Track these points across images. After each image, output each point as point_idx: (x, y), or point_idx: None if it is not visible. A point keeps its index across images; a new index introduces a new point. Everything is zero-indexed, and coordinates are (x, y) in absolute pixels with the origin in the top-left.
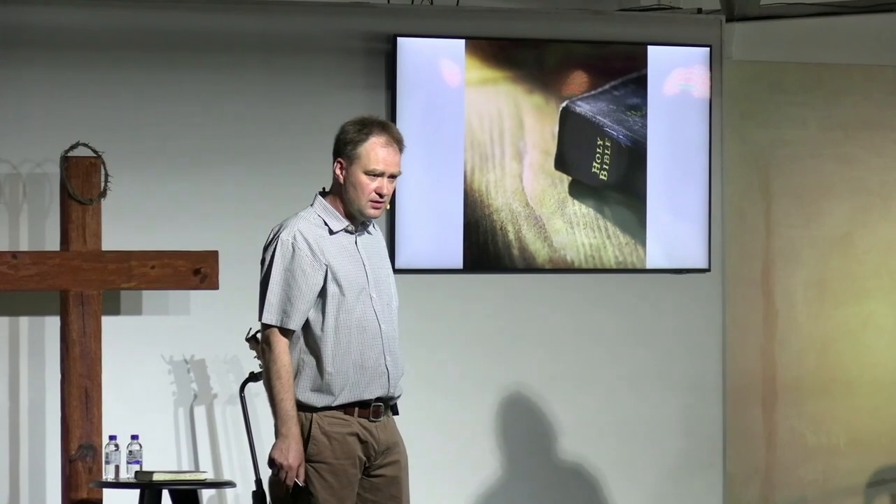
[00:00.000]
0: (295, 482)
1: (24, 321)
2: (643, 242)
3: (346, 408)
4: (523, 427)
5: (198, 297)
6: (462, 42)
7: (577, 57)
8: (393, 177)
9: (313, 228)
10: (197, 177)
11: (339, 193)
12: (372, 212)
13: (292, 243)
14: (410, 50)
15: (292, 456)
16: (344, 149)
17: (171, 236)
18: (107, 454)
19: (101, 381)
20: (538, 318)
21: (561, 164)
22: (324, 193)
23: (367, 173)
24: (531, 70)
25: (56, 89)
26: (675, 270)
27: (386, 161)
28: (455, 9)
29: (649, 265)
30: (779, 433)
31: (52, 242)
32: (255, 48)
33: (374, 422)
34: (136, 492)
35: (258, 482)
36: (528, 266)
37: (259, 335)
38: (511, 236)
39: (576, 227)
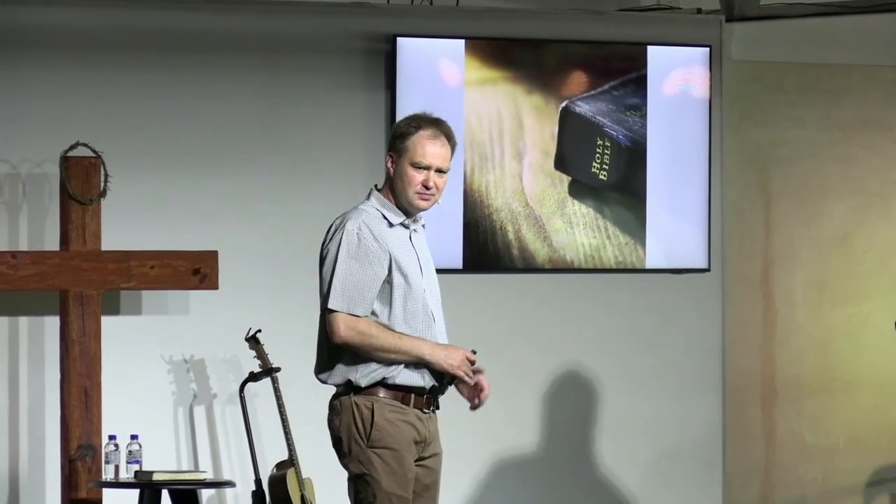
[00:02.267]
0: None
1: (23, 321)
2: (643, 242)
3: (404, 394)
4: (522, 426)
5: (197, 297)
6: (461, 42)
7: (576, 57)
8: (441, 171)
9: (375, 220)
10: (196, 177)
11: (390, 187)
12: (420, 203)
13: (357, 232)
14: (410, 50)
15: (453, 352)
16: (394, 143)
17: (170, 236)
18: (106, 454)
19: (101, 381)
20: (538, 318)
21: (560, 164)
22: (377, 188)
23: (414, 165)
24: (531, 70)
25: (56, 89)
26: (674, 270)
27: (433, 154)
28: (454, 9)
29: (649, 265)
30: (778, 433)
31: (52, 242)
32: (254, 48)
33: (425, 413)
34: (136, 492)
35: (258, 482)
36: (528, 266)
37: (256, 334)
38: (511, 236)
39: (575, 227)
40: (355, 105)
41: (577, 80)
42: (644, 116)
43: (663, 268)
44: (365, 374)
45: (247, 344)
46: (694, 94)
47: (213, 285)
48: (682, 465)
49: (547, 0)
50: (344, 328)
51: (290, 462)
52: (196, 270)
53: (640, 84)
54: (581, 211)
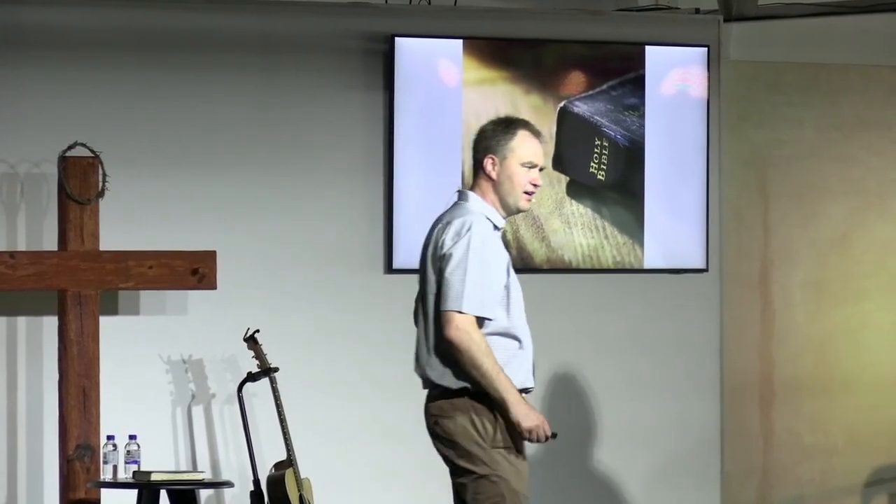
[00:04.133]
0: (547, 437)
1: (21, 321)
2: (641, 242)
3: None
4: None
5: (195, 297)
6: (460, 42)
7: (574, 57)
8: (541, 169)
9: (487, 226)
10: (194, 177)
11: (489, 190)
12: (526, 204)
13: (483, 236)
14: (408, 50)
15: (534, 414)
16: (495, 145)
17: (168, 236)
18: (105, 454)
19: (99, 381)
20: (535, 319)
21: (559, 163)
22: (470, 190)
23: (523, 165)
24: (529, 70)
25: (54, 89)
26: (672, 270)
27: (537, 153)
28: (453, 9)
29: (647, 265)
30: (776, 433)
31: (50, 242)
32: (252, 48)
33: None
34: (134, 492)
35: (256, 482)
36: (526, 266)
37: (254, 334)
38: (509, 236)
39: (573, 228)
40: (353, 105)
41: (575, 80)
42: (642, 116)
43: (661, 268)
44: None
45: (245, 344)
46: (692, 94)
47: (212, 285)
48: (681, 464)
49: (545, 0)
50: (461, 328)
51: (289, 462)
52: (194, 270)
53: (638, 84)
54: (579, 211)
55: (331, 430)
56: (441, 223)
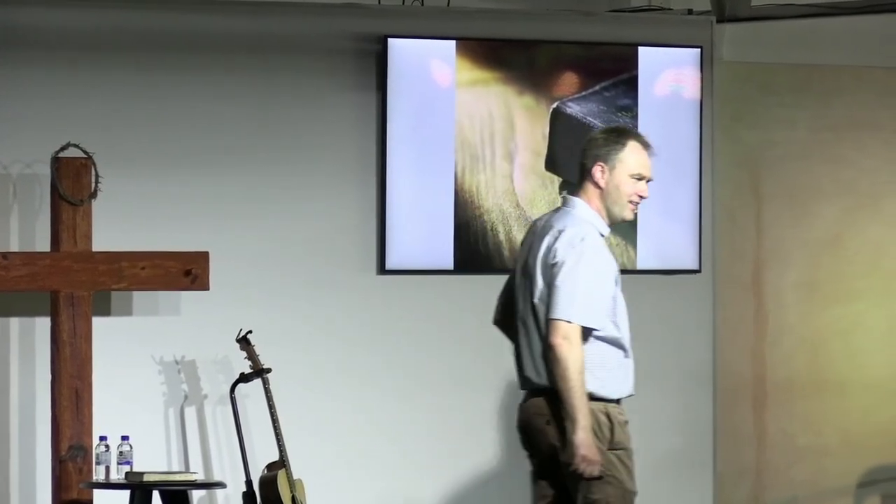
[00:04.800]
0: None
1: (14, 322)
2: (634, 243)
3: (618, 401)
4: (513, 426)
5: (188, 297)
6: (452, 43)
7: (567, 58)
8: (649, 181)
9: (596, 235)
10: (187, 177)
11: (595, 198)
12: (630, 214)
13: (596, 247)
14: (401, 51)
15: (595, 449)
16: (605, 154)
17: (161, 237)
18: (97, 455)
19: (92, 382)
20: None
21: (552, 164)
22: (570, 198)
23: (632, 176)
24: (522, 71)
25: (47, 90)
26: (665, 271)
27: (646, 165)
28: (445, 9)
29: (640, 266)
30: (769, 433)
31: (43, 243)
32: (245, 49)
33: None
34: (127, 492)
35: (248, 483)
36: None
37: (247, 335)
38: (502, 237)
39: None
40: (346, 106)
41: (569, 81)
42: (635, 117)
43: (654, 269)
44: (603, 384)
45: (238, 345)
46: (685, 95)
47: (205, 286)
48: (673, 465)
49: (538, 1)
50: (566, 339)
51: (281, 463)
52: (187, 271)
53: (632, 85)
54: None
55: (324, 431)
56: (552, 229)
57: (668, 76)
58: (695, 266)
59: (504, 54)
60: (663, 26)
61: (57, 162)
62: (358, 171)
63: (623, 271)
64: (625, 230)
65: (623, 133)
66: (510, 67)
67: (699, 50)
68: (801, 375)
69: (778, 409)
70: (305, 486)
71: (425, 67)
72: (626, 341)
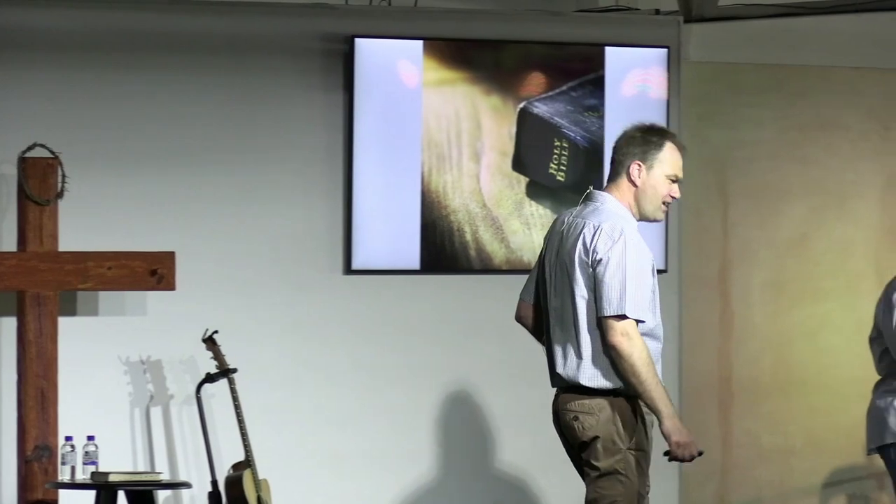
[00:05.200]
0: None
1: None
2: None
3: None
4: (479, 426)
5: (154, 297)
6: (420, 43)
7: (534, 58)
8: (681, 182)
9: (635, 229)
10: (153, 177)
11: (629, 194)
12: (662, 215)
13: (635, 242)
14: (368, 51)
15: (686, 431)
16: (644, 152)
17: (127, 237)
18: (63, 455)
19: (58, 382)
20: (495, 319)
21: (518, 164)
22: (598, 193)
23: (668, 177)
24: (489, 71)
25: (13, 90)
26: None
27: (681, 167)
28: (413, 10)
29: None
30: (735, 434)
31: (9, 243)
32: (212, 49)
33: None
34: (92, 493)
35: (214, 483)
36: (485, 267)
37: (213, 335)
38: (468, 237)
39: (533, 228)
40: (313, 106)
41: (536, 81)
42: (602, 117)
43: None
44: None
45: (204, 345)
46: (652, 95)
47: (171, 286)
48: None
49: (505, 1)
50: (627, 334)
51: (247, 463)
52: (153, 271)
53: (598, 85)
54: (538, 212)
55: (289, 431)
56: (587, 225)
57: (635, 76)
58: (661, 265)
59: (471, 54)
60: (630, 26)
61: (23, 162)
62: (324, 170)
63: None
64: None
65: (662, 133)
66: (477, 67)
67: (666, 50)
68: (767, 375)
69: (744, 409)
70: (271, 486)
71: (392, 67)
72: (661, 332)
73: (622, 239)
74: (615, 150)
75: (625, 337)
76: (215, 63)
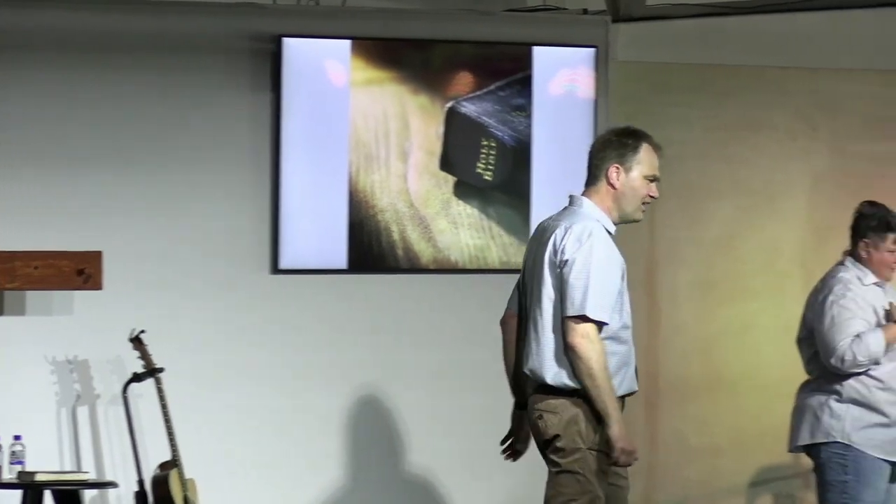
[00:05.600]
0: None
1: None
2: (527, 243)
3: (619, 400)
4: (407, 426)
5: (81, 297)
6: (347, 42)
7: (462, 57)
8: (659, 181)
9: (604, 231)
10: (80, 177)
11: (607, 197)
12: (641, 215)
13: (603, 244)
14: (296, 50)
15: (630, 439)
16: (622, 156)
17: (54, 237)
18: None
19: None
20: (423, 319)
21: (446, 164)
22: (578, 198)
23: (647, 178)
24: (417, 70)
25: None
26: None
27: (657, 166)
28: (340, 9)
29: None
30: (661, 433)
31: None
32: (139, 48)
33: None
34: (19, 492)
35: (140, 482)
36: (413, 266)
37: (140, 335)
38: (396, 237)
39: (460, 228)
40: (241, 105)
41: (463, 81)
42: (529, 117)
43: None
44: None
45: (130, 344)
46: (579, 94)
47: (98, 286)
48: None
49: (433, 0)
50: (587, 337)
51: (173, 463)
52: (80, 271)
53: (526, 84)
54: (466, 211)
55: (216, 431)
56: (559, 227)
57: (562, 76)
58: None
59: (399, 54)
60: (558, 26)
61: None
62: (252, 170)
63: (517, 271)
64: (518, 229)
65: (637, 135)
66: (405, 67)
67: (594, 50)
68: (695, 375)
69: (671, 409)
70: (197, 486)
71: (320, 67)
72: (629, 336)
73: (590, 241)
74: (591, 155)
75: (584, 339)
76: (142, 62)
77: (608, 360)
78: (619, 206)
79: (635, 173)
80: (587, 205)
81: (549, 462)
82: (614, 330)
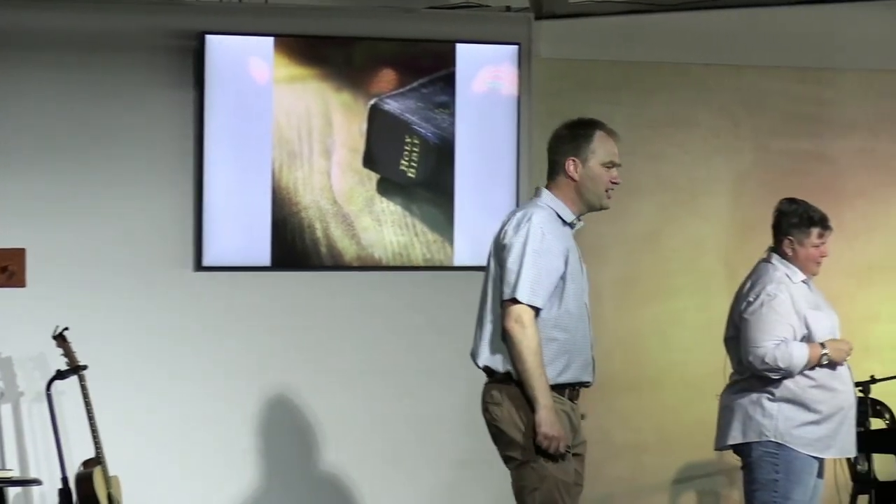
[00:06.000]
0: (558, 451)
1: None
2: (451, 240)
3: (561, 389)
4: (330, 423)
5: (4, 294)
6: (270, 39)
7: (385, 54)
8: (619, 166)
9: (552, 219)
10: (3, 175)
11: (569, 189)
12: (608, 202)
13: (542, 227)
14: (219, 47)
15: (558, 426)
16: (576, 147)
17: None
18: None
19: None
20: (346, 316)
21: (369, 161)
22: (546, 188)
23: (604, 165)
24: (340, 68)
25: None
26: (482, 268)
27: (615, 152)
28: (263, 6)
29: (457, 262)
30: (586, 430)
31: None
32: (61, 45)
33: (574, 404)
34: None
35: (64, 480)
36: (336, 264)
37: (63, 332)
38: (319, 234)
39: (384, 225)
40: (164, 102)
41: (387, 78)
42: (453, 114)
43: (471, 265)
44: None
45: (54, 342)
46: (503, 91)
47: (21, 283)
48: (490, 460)
49: None
50: (520, 322)
51: (97, 460)
52: (3, 268)
53: (449, 82)
54: (389, 209)
55: (140, 428)
56: (509, 215)
57: (486, 73)
58: None
59: (322, 51)
60: (481, 23)
61: None
62: (175, 167)
63: (440, 268)
64: (442, 227)
65: (589, 125)
66: (328, 64)
67: (517, 47)
68: (619, 372)
69: (595, 406)
70: (122, 483)
71: (243, 64)
72: (575, 323)
73: (528, 225)
74: (549, 150)
75: (517, 324)
76: (65, 59)
77: (547, 346)
78: (582, 197)
79: (592, 163)
80: (545, 195)
81: (504, 458)
82: (554, 316)
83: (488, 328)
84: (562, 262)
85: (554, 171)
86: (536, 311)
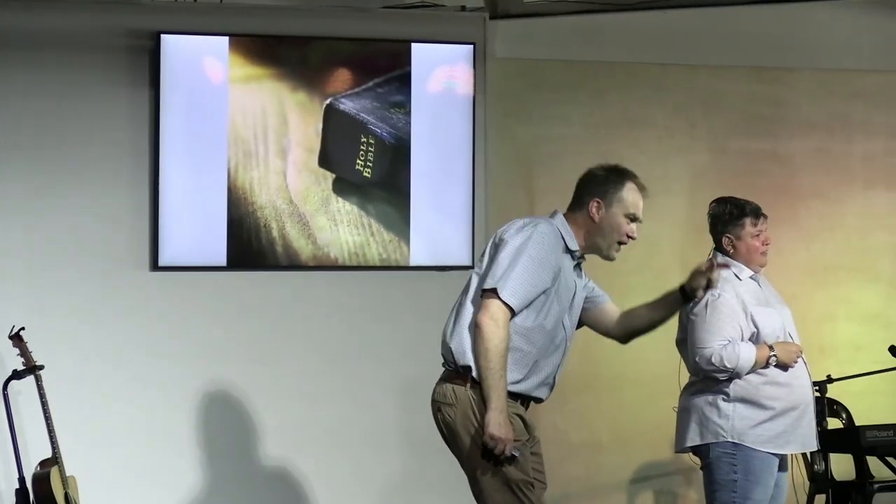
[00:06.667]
0: (504, 454)
1: None
2: (407, 240)
3: (514, 396)
4: (286, 422)
5: None
6: (226, 39)
7: (340, 54)
8: (640, 223)
9: (557, 237)
10: None
11: (585, 226)
12: (615, 255)
13: (545, 237)
14: (174, 47)
15: (506, 429)
16: (604, 191)
17: None
18: None
19: None
20: (302, 316)
21: (325, 161)
22: (562, 213)
23: (626, 216)
24: (295, 67)
25: None
26: (438, 268)
27: (640, 207)
28: (219, 6)
29: (413, 262)
30: (542, 430)
31: None
32: (16, 44)
33: (525, 406)
34: None
35: (21, 480)
36: (292, 263)
37: (19, 332)
38: (275, 234)
39: (340, 225)
40: (119, 102)
41: (342, 78)
42: (408, 114)
43: (427, 265)
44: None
45: (10, 342)
46: (458, 91)
47: None
48: (444, 463)
49: None
50: (494, 319)
51: (54, 460)
52: None
53: (405, 81)
54: (345, 208)
55: (97, 428)
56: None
57: (441, 73)
58: (467, 262)
59: (277, 51)
60: (436, 23)
61: None
62: (131, 167)
63: (396, 267)
64: (398, 226)
65: (623, 173)
66: (283, 64)
67: (472, 46)
68: (574, 372)
69: (550, 406)
70: (79, 483)
71: (198, 64)
72: (547, 339)
73: (532, 230)
74: (578, 184)
75: (492, 321)
76: (19, 58)
77: (511, 353)
78: (592, 239)
79: (616, 210)
80: (559, 218)
81: (460, 462)
82: (527, 326)
83: (465, 315)
84: (550, 278)
85: (576, 206)
86: (512, 313)
